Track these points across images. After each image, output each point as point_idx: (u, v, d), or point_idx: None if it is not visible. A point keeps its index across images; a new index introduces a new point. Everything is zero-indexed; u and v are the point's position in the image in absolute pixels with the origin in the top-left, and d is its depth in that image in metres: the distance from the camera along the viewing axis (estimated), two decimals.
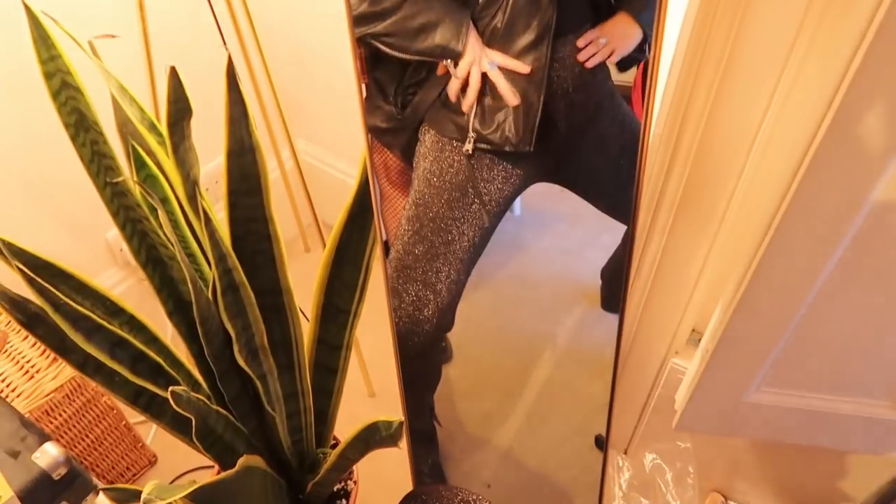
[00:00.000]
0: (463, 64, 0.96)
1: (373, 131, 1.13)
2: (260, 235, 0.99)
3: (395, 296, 1.17)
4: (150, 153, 0.95)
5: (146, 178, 0.99)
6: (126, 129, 0.96)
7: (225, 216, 0.97)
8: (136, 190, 0.97)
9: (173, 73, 0.81)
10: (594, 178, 1.14)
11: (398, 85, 1.06)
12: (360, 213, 1.06)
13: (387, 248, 1.34)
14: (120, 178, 0.89)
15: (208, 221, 0.83)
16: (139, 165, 0.98)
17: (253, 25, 1.27)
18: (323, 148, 2.00)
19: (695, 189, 1.03)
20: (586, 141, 1.09)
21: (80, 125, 0.92)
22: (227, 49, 1.07)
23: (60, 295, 0.83)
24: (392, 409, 1.72)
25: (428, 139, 1.07)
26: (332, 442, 1.32)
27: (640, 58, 0.98)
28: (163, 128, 0.87)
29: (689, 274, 1.14)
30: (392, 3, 0.94)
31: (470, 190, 1.07)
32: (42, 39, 0.89)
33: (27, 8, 0.88)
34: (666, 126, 0.98)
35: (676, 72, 0.92)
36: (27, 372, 1.39)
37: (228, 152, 0.94)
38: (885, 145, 0.71)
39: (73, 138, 0.92)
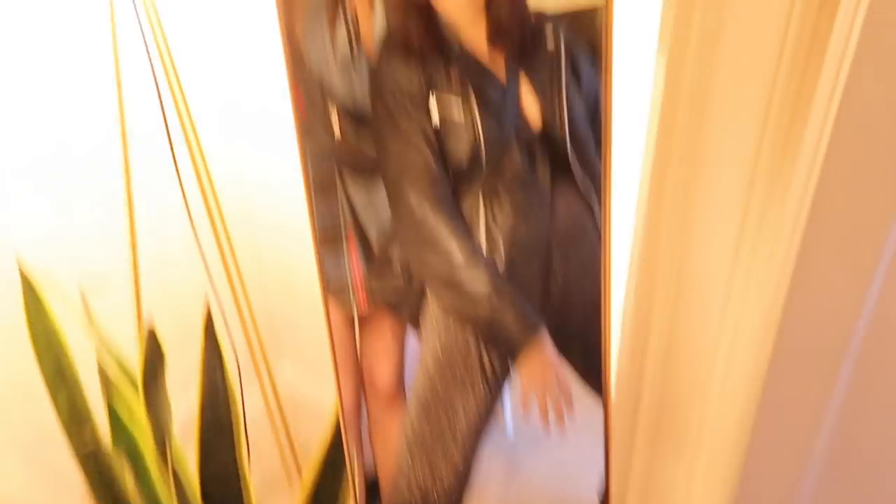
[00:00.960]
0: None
1: (382, 297, 1.16)
2: (231, 488, 0.97)
3: (402, 476, 1.14)
4: (128, 407, 0.97)
5: (120, 433, 1.00)
6: (106, 383, 0.99)
7: (196, 468, 0.97)
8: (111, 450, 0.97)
9: (151, 337, 0.86)
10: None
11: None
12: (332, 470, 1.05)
13: (374, 485, 1.32)
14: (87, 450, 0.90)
15: (178, 482, 0.83)
16: (115, 422, 0.99)
17: (234, 256, 1.33)
18: (310, 371, 2.01)
19: (666, 414, 1.05)
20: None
21: (61, 382, 0.95)
22: (212, 298, 1.13)
23: None
24: None
25: (435, 312, 1.09)
26: None
27: None
28: (138, 381, 0.90)
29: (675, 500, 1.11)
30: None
31: (475, 364, 1.09)
32: (34, 303, 0.95)
33: (23, 275, 0.95)
34: (627, 365, 1.03)
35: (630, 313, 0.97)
36: None
37: (202, 405, 0.96)
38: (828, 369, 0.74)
39: (53, 395, 0.95)
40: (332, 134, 1.07)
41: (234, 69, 1.49)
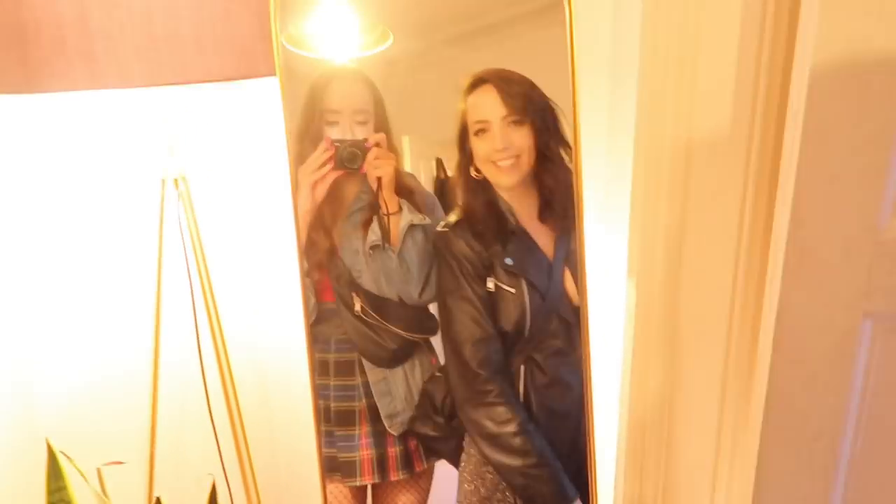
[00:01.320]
0: None
1: (421, 438, 1.25)
2: None
3: None
4: None
5: None
6: None
7: None
8: None
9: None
10: None
11: (446, 396, 1.19)
12: None
13: None
14: None
15: None
16: None
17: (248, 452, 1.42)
18: None
19: None
20: None
21: None
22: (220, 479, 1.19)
23: None
24: None
25: (472, 463, 1.17)
26: None
27: None
28: None
29: None
30: None
31: None
32: (54, 472, 1.02)
33: (49, 446, 1.03)
34: None
35: None
36: None
37: None
38: None
39: None
40: (356, 314, 1.22)
41: (258, 266, 1.66)
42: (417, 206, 1.21)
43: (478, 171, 1.12)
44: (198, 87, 1.13)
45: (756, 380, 0.88)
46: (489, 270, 1.13)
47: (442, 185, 1.39)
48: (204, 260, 1.33)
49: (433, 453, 1.30)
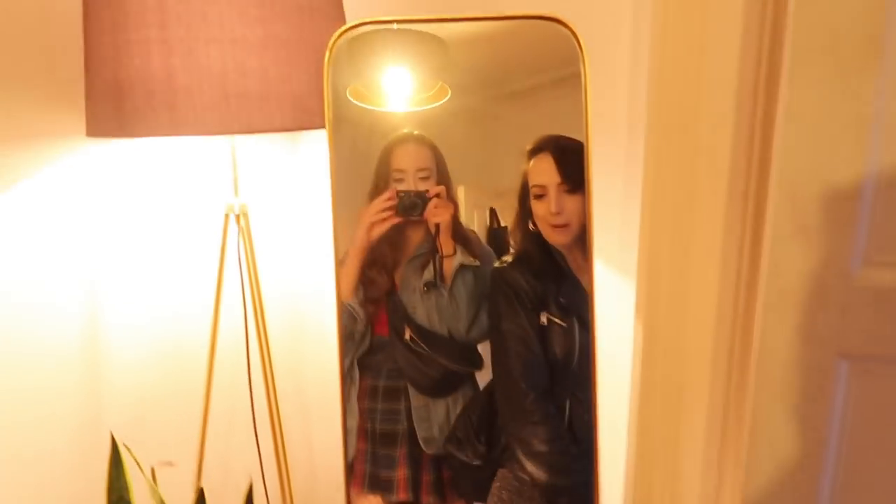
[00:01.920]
0: None
1: (455, 468, 1.34)
2: None
3: None
4: None
5: None
6: None
7: None
8: None
9: (200, 494, 1.05)
10: None
11: (482, 416, 1.29)
12: None
13: None
14: None
15: None
16: None
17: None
18: None
19: None
20: None
21: None
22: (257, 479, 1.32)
23: None
24: None
25: (504, 496, 1.24)
26: None
27: None
28: None
29: None
30: None
31: None
32: (116, 463, 1.17)
33: (113, 440, 1.18)
34: None
35: None
36: None
37: None
38: None
39: None
40: (405, 342, 1.36)
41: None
42: (472, 253, 1.36)
43: (535, 224, 1.25)
44: (262, 136, 1.31)
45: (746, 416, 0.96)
46: (543, 305, 1.24)
47: (495, 234, 1.53)
48: (257, 284, 1.48)
49: (459, 492, 1.40)
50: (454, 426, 1.35)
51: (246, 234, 1.48)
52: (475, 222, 1.48)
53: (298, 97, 1.29)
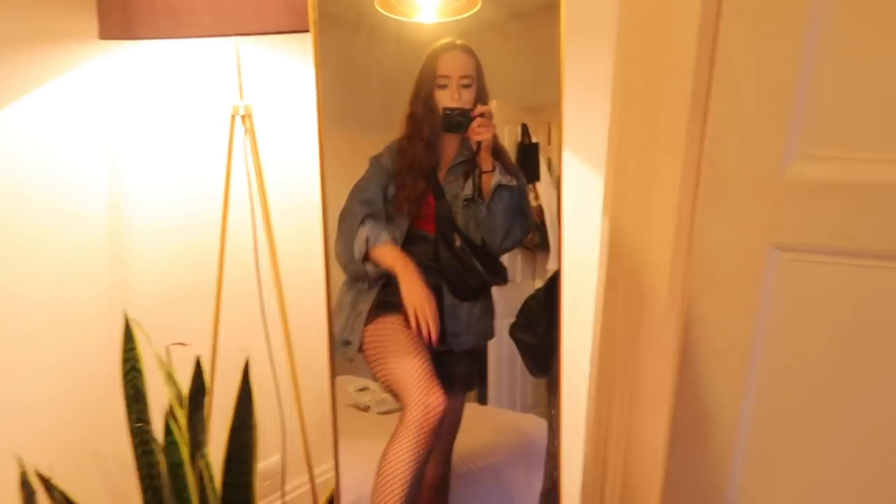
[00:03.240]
0: None
1: (520, 344, 1.50)
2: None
3: None
4: (178, 424, 1.28)
5: (170, 443, 1.30)
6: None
7: (219, 480, 1.24)
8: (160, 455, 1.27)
9: (197, 363, 1.18)
10: None
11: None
12: None
13: None
14: (139, 425, 1.21)
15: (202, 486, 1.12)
16: (168, 432, 1.30)
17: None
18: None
19: None
20: None
21: (135, 398, 1.28)
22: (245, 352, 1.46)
23: None
24: None
25: None
26: None
27: None
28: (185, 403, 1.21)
29: None
30: None
31: None
32: (128, 338, 1.31)
33: (126, 318, 1.32)
34: None
35: None
36: None
37: (232, 427, 1.25)
38: None
39: (128, 407, 1.28)
40: (454, 249, 1.47)
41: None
42: (508, 170, 1.44)
43: None
44: (270, 41, 1.37)
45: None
46: None
47: (525, 150, 1.59)
48: (262, 179, 1.58)
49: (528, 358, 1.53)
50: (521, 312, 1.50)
51: (251, 133, 1.57)
52: (506, 137, 1.54)
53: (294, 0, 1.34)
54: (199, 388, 1.23)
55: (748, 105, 0.87)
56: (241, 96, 1.56)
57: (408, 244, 1.48)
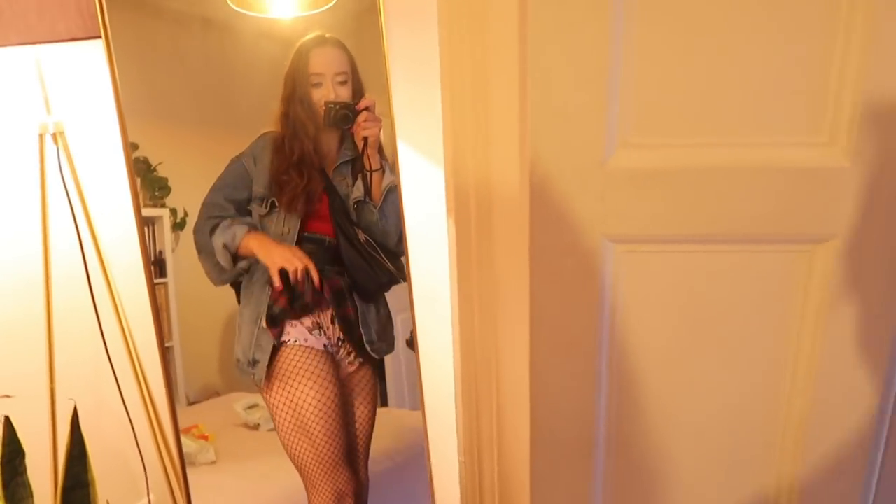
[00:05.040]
0: None
1: None
2: None
3: None
4: None
5: None
6: None
7: None
8: None
9: (6, 422, 1.04)
10: None
11: None
12: None
13: None
14: None
15: None
16: None
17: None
18: None
19: None
20: None
21: None
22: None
23: None
24: None
25: None
26: None
27: None
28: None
29: None
30: None
31: None
32: None
33: None
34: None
35: None
36: None
37: (64, 487, 1.12)
38: None
39: None
40: (358, 246, 1.36)
41: None
42: (390, 167, 1.34)
43: None
44: (69, 45, 1.22)
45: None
46: None
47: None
48: (86, 210, 1.43)
49: None
50: None
51: (66, 152, 1.40)
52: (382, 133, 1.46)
53: (86, 4, 1.19)
54: (13, 452, 1.08)
55: (565, 94, 0.83)
56: (49, 111, 1.39)
57: (303, 250, 1.37)
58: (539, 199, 0.88)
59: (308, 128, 1.31)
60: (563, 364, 0.95)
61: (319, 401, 1.39)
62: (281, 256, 1.33)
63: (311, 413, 1.38)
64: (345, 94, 1.29)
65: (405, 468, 1.86)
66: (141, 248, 1.28)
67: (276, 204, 1.35)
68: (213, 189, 1.39)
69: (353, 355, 1.40)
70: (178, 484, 1.51)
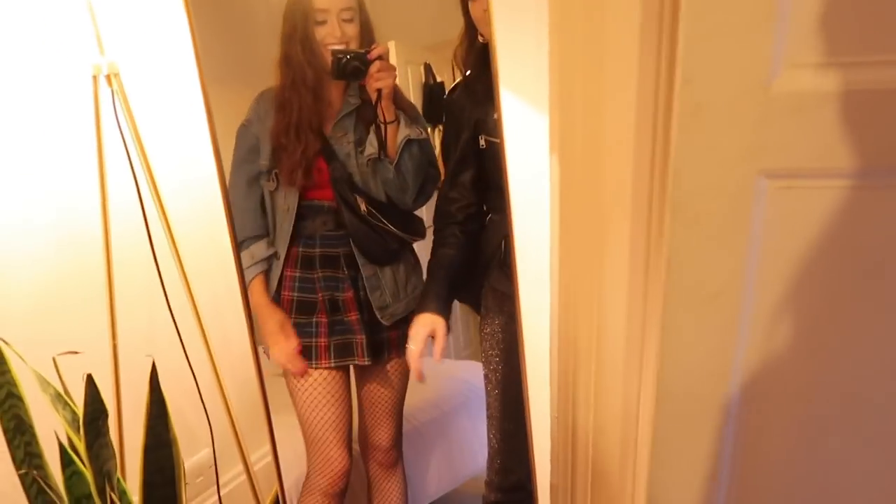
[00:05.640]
0: None
1: None
2: None
3: None
4: (78, 452, 1.07)
5: (72, 475, 1.09)
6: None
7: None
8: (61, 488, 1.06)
9: (89, 380, 0.97)
10: None
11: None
12: None
13: None
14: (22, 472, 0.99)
15: None
16: (67, 463, 1.08)
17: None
18: None
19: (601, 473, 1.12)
20: None
21: (17, 429, 1.05)
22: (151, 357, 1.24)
23: None
24: None
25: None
26: None
27: None
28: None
29: None
30: None
31: None
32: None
33: None
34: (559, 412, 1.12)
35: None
36: None
37: (145, 447, 1.05)
38: None
39: (10, 441, 1.05)
40: (361, 214, 1.31)
41: None
42: (411, 118, 1.25)
43: (482, 36, 1.14)
44: None
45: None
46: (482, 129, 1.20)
47: (430, 91, 1.40)
48: (145, 154, 1.33)
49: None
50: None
51: (122, 95, 1.31)
52: (409, 79, 1.36)
53: None
54: (96, 411, 1.01)
55: (725, 7, 0.73)
56: (102, 52, 1.29)
57: (301, 219, 1.32)
58: (686, 130, 0.79)
59: (307, 74, 1.22)
60: (703, 315, 0.87)
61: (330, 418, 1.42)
62: (286, 357, 1.37)
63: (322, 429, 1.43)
64: (352, 32, 1.20)
65: (451, 416, 1.82)
66: (224, 202, 1.20)
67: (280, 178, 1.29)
68: (234, 166, 1.34)
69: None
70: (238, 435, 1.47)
